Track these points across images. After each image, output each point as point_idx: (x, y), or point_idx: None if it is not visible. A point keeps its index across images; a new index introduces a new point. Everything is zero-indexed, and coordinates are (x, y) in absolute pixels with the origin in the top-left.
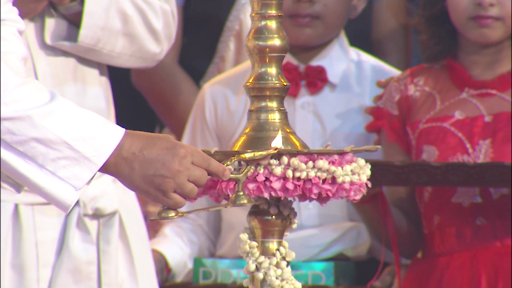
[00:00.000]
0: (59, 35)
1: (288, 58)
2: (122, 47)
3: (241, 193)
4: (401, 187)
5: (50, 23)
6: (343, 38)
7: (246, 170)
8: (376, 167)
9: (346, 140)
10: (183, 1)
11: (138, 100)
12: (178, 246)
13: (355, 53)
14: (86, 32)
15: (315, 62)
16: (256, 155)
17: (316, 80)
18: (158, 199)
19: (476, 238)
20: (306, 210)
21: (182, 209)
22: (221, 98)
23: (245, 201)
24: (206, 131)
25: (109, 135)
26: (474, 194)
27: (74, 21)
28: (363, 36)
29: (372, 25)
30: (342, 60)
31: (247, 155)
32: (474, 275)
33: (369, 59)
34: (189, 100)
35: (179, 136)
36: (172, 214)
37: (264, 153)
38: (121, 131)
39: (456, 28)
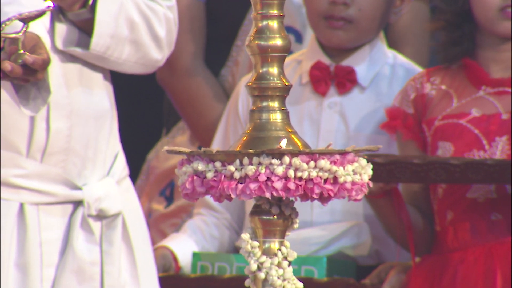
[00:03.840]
0: (69, 41)
1: (321, 57)
2: (127, 54)
3: (21, 51)
4: (415, 185)
5: (61, 28)
6: (381, 41)
7: (25, 29)
8: (394, 164)
9: (369, 141)
10: None
11: (143, 103)
12: (194, 242)
13: (392, 55)
14: (97, 40)
15: (347, 63)
16: (31, 14)
17: (345, 80)
18: None
19: (491, 233)
20: (318, 207)
21: None
22: None
23: (26, 57)
24: (238, 124)
25: None
26: (489, 189)
27: (81, 27)
28: None
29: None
30: (377, 62)
31: (23, 15)
32: (489, 270)
33: (403, 61)
34: (214, 104)
35: (202, 138)
36: None
37: (38, 10)
38: None
39: (481, 24)
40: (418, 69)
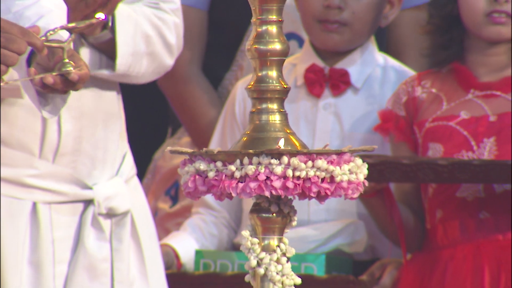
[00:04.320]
0: (94, 64)
1: (315, 60)
2: (146, 66)
3: (66, 60)
4: (407, 184)
5: (84, 52)
6: (372, 44)
7: (70, 39)
8: (385, 165)
9: (363, 141)
10: (207, 6)
11: (149, 105)
12: (195, 240)
13: (383, 58)
14: (121, 61)
15: (340, 66)
16: (79, 25)
17: (339, 82)
18: None
19: (479, 231)
20: (314, 205)
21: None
22: None
23: (70, 68)
24: (235, 125)
25: None
26: (478, 189)
27: (100, 48)
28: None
29: (390, 34)
30: (368, 65)
31: (70, 25)
32: (477, 267)
33: (394, 64)
34: (207, 110)
35: (198, 142)
36: None
37: (86, 22)
38: None
39: (469, 28)
40: (409, 71)
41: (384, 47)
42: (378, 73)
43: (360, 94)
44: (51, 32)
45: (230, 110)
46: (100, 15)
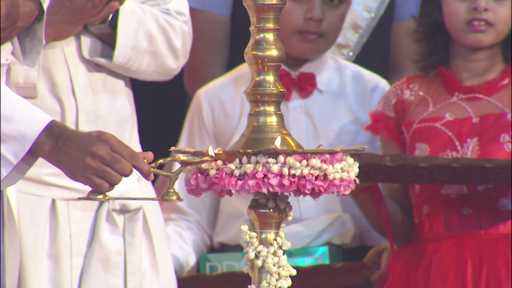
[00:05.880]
0: (94, 51)
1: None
2: (147, 64)
3: (172, 190)
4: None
5: (86, 40)
6: None
7: (179, 171)
8: (369, 166)
9: (337, 137)
10: (230, 14)
11: (165, 102)
12: (179, 246)
13: (334, 60)
14: (120, 52)
15: (305, 70)
16: (190, 159)
17: (307, 85)
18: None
19: (462, 226)
20: (305, 203)
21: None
22: (217, 102)
23: (174, 198)
24: (204, 133)
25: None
26: (461, 186)
27: (103, 39)
28: (381, 55)
29: (391, 44)
30: (327, 67)
31: (182, 157)
32: (460, 260)
33: (347, 65)
34: None
35: None
36: (100, 196)
37: (197, 159)
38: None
39: (452, 35)
40: (361, 68)
41: (387, 56)
42: (335, 73)
43: (325, 94)
44: (160, 160)
45: (197, 119)
46: (211, 152)
